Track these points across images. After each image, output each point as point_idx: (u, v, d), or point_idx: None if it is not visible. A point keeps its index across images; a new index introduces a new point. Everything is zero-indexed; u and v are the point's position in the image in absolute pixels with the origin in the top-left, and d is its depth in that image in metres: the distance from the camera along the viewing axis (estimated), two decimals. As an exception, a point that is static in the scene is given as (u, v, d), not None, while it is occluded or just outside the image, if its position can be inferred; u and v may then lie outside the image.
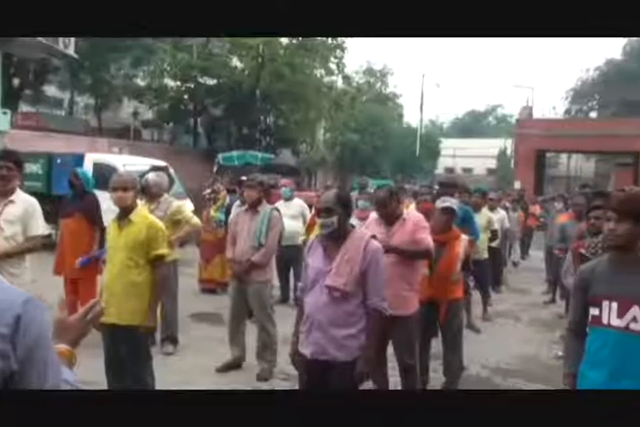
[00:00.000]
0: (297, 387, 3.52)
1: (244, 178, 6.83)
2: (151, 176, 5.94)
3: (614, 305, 2.78)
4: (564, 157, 41.40)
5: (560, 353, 6.37)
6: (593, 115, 43.21)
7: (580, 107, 44.32)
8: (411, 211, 5.23)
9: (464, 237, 4.94)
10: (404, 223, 4.36)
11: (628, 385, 2.75)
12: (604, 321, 2.81)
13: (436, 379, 5.10)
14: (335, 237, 3.27)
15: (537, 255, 12.96)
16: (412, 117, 64.34)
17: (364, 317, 3.25)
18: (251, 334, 5.45)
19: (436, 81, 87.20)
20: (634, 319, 2.74)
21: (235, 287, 5.36)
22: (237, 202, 7.71)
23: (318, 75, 24.14)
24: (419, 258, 4.45)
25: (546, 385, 5.49)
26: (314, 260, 3.34)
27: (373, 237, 3.36)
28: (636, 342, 2.75)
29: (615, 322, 2.78)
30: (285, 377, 5.10)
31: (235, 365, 5.37)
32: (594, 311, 2.86)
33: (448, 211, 4.81)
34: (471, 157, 50.22)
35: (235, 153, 16.51)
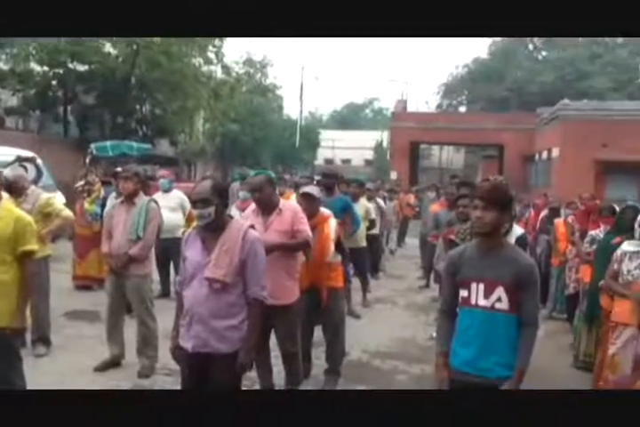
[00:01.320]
0: (179, 382, 3.45)
1: (119, 169, 6.57)
2: (7, 172, 5.50)
3: (481, 287, 2.97)
4: (436, 148, 43.30)
5: (434, 334, 6.70)
6: (462, 109, 45.60)
7: (451, 101, 46.59)
8: (290, 201, 5.27)
9: (332, 220, 5.01)
10: (280, 213, 4.39)
11: (495, 360, 2.96)
12: (473, 302, 3.00)
13: (319, 366, 5.21)
14: (213, 229, 3.23)
15: (412, 243, 13.52)
16: (291, 109, 64.70)
17: (245, 307, 3.25)
18: (130, 330, 5.28)
19: (315, 74, 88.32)
20: (498, 299, 2.94)
21: (112, 282, 5.17)
22: (113, 194, 7.40)
23: (197, 64, 23.61)
24: (299, 250, 4.51)
25: (422, 365, 5.78)
26: (191, 252, 3.28)
27: (252, 227, 3.36)
28: (501, 320, 2.96)
29: (482, 302, 2.97)
30: (168, 373, 4.99)
31: (114, 363, 5.19)
32: (463, 293, 3.04)
33: (307, 196, 4.86)
34: (349, 148, 51.36)
35: (109, 143, 15.76)
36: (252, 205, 4.63)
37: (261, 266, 3.28)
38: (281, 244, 4.30)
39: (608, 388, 4.57)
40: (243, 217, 4.66)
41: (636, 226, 4.62)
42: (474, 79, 42.33)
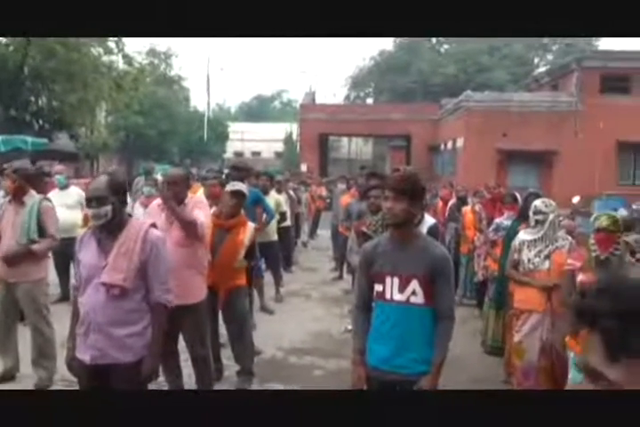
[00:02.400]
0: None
1: (5, 166, 6.07)
2: None
3: (396, 280, 2.88)
4: (345, 140, 43.72)
5: (349, 327, 6.66)
6: (369, 101, 46.23)
7: (358, 93, 47.14)
8: (196, 196, 5.02)
9: (251, 225, 4.86)
10: (184, 208, 4.16)
11: (411, 356, 2.88)
12: (388, 296, 2.90)
13: (231, 366, 5.01)
14: (110, 229, 2.97)
15: (324, 234, 13.50)
16: (199, 101, 63.28)
17: (148, 312, 3.01)
18: (24, 340, 4.87)
19: (221, 65, 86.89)
20: (413, 293, 2.86)
21: (1, 289, 4.73)
22: (1, 193, 6.85)
23: (96, 53, 22.52)
24: (188, 228, 4.09)
25: (339, 359, 5.69)
26: (86, 255, 3.00)
27: (153, 225, 3.12)
28: (416, 314, 2.88)
29: (397, 296, 2.88)
30: (68, 384, 4.63)
31: (8, 376, 4.77)
32: (378, 287, 2.94)
33: (238, 194, 4.70)
34: (259, 140, 50.94)
35: (0, 137, 14.74)
36: (157, 200, 4.36)
37: (164, 268, 3.05)
38: (174, 211, 4.02)
39: (517, 374, 4.64)
40: (146, 213, 4.38)
41: (531, 214, 4.70)
42: (380, 71, 42.95)
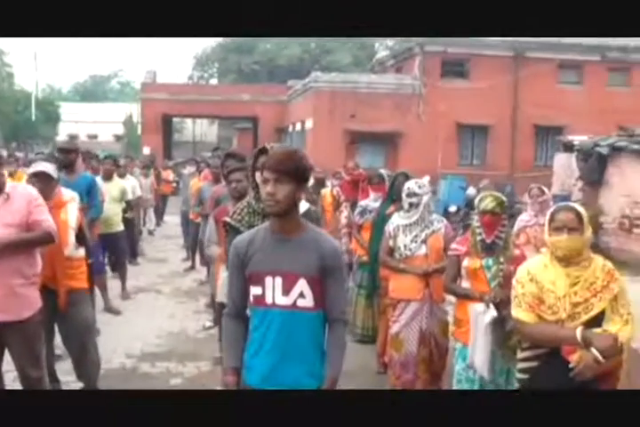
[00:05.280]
0: None
1: None
2: None
3: (278, 281, 2.34)
4: (189, 122, 42.25)
5: (208, 323, 6.05)
6: (214, 81, 44.92)
7: (202, 74, 45.66)
8: (20, 184, 4.10)
9: (73, 204, 4.01)
10: (9, 199, 3.31)
11: (299, 370, 2.37)
12: (268, 300, 2.36)
13: (71, 383, 4.21)
14: None
15: (173, 221, 12.64)
16: (25, 80, 57.97)
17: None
18: None
19: (50, 42, 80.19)
20: (301, 295, 2.34)
21: None
22: None
23: None
24: (39, 245, 3.46)
25: (197, 362, 5.10)
26: None
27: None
28: (304, 320, 2.37)
29: (281, 300, 2.34)
30: None
31: None
32: (255, 291, 2.38)
33: (40, 176, 3.87)
34: (96, 122, 47.80)
35: None
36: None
37: None
38: (15, 239, 3.26)
39: (395, 367, 4.32)
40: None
41: (404, 196, 4.37)
42: (225, 52, 41.83)
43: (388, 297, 4.50)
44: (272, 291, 2.34)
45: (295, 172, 2.28)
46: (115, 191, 6.96)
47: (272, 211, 2.31)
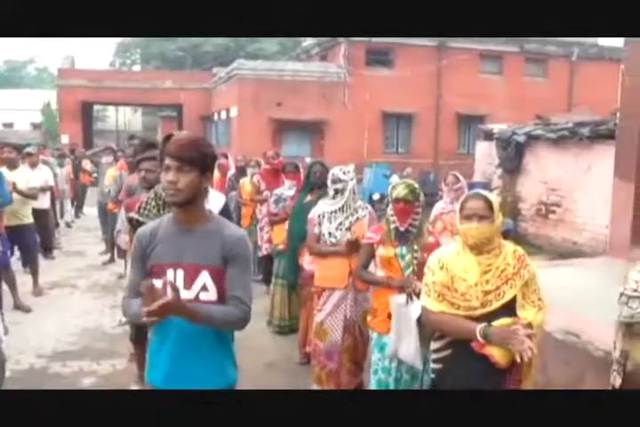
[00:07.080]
0: None
1: None
2: None
3: (180, 273, 2.22)
4: (112, 110, 40.86)
5: (124, 320, 5.83)
6: (136, 68, 43.58)
7: (124, 60, 44.21)
8: None
9: None
10: None
11: (198, 370, 2.24)
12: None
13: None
14: None
15: (93, 213, 12.17)
16: None
17: None
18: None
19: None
20: (204, 288, 2.22)
21: None
22: None
23: None
24: None
25: (113, 360, 4.90)
26: None
27: None
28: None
29: (183, 294, 2.21)
30: None
31: None
32: (157, 284, 2.24)
33: None
34: (11, 110, 45.51)
35: None
36: None
37: None
38: None
39: (319, 356, 4.27)
40: None
41: (329, 183, 4.32)
42: (147, 38, 40.62)
43: (314, 286, 4.43)
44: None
45: (198, 159, 2.15)
46: (21, 182, 6.56)
47: (173, 200, 2.18)
